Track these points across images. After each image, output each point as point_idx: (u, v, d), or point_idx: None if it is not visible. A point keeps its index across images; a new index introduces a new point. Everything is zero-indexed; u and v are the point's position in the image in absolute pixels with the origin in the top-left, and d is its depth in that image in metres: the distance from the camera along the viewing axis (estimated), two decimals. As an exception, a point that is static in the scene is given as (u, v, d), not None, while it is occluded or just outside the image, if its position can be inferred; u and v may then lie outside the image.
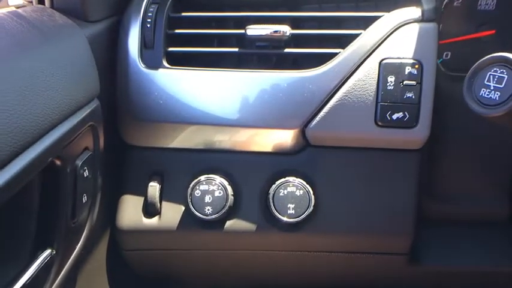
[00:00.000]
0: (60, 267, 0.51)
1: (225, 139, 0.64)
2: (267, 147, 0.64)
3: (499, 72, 0.36)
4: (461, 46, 0.64)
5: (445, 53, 0.64)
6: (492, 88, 0.36)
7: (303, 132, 0.62)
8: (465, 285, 0.77)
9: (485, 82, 0.36)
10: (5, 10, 0.51)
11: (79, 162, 0.51)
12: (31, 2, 0.63)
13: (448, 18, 0.63)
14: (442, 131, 0.65)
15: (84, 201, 0.53)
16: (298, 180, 0.62)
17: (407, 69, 0.59)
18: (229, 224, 0.64)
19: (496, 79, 0.36)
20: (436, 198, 0.70)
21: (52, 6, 0.59)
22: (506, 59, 0.35)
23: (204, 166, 0.65)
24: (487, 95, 0.36)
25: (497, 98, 0.35)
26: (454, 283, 0.76)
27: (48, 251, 0.49)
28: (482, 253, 0.71)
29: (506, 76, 0.35)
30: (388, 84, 0.59)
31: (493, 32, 0.62)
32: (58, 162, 0.47)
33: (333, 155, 0.64)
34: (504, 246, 0.71)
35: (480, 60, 0.38)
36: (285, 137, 0.63)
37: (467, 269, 0.71)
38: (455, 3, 0.62)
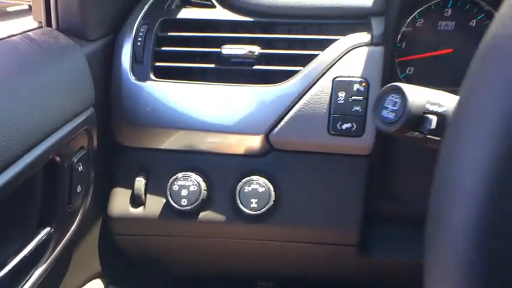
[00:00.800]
0: (57, 244, 0.59)
1: (202, 142, 0.71)
2: (237, 149, 0.71)
3: (394, 97, 0.45)
4: (422, 63, 0.70)
5: (408, 69, 0.70)
6: (390, 109, 0.45)
7: (267, 138, 0.69)
8: (413, 276, 0.85)
9: (386, 105, 0.45)
10: (19, 34, 0.61)
11: (75, 159, 0.58)
12: (40, 22, 0.74)
13: (410, 37, 0.69)
14: (392, 139, 0.72)
15: (78, 191, 0.61)
16: (262, 179, 0.69)
17: (356, 86, 0.66)
18: (202, 214, 0.71)
19: (392, 102, 0.45)
20: (388, 199, 0.76)
21: (58, 27, 0.67)
22: (398, 87, 0.44)
23: (182, 165, 0.72)
24: (386, 115, 0.45)
25: (392, 118, 0.44)
26: (400, 273, 0.82)
27: (47, 229, 0.56)
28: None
29: (399, 101, 0.44)
30: (339, 98, 0.66)
31: (451, 50, 0.69)
32: (58, 159, 0.54)
33: (293, 158, 0.71)
34: None
35: (383, 88, 0.47)
36: (252, 142, 0.70)
37: (412, 261, 0.76)
38: (417, 24, 0.69)
